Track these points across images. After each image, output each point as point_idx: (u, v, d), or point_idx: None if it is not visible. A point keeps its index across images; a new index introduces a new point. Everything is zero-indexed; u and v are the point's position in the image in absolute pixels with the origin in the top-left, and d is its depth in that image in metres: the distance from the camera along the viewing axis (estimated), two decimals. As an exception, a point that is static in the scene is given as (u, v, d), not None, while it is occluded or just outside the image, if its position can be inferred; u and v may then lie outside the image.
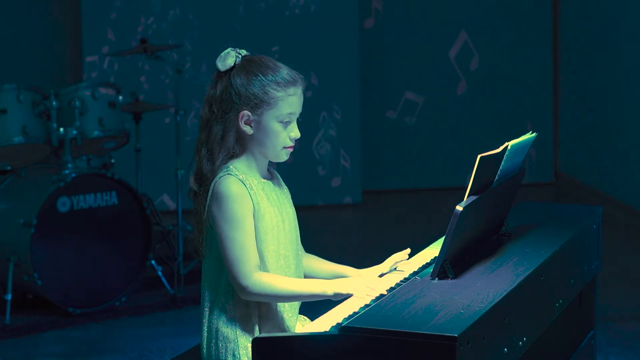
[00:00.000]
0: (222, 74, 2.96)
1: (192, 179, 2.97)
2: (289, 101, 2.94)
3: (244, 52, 2.98)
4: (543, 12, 8.68)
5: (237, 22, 7.93)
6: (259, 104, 2.92)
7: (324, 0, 8.01)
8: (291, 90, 2.94)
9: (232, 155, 2.96)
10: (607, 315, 5.24)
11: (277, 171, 3.11)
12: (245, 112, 2.92)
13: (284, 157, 2.99)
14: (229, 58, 2.95)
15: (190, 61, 7.76)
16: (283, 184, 3.10)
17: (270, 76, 2.92)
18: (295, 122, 2.98)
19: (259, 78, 2.92)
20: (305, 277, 3.10)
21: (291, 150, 2.99)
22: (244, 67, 2.94)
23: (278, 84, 2.93)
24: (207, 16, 7.90)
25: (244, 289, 2.86)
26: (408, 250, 3.14)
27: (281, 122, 2.94)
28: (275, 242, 2.95)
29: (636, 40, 7.40)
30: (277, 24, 7.99)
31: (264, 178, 3.00)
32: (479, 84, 8.69)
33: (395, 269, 3.12)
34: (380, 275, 3.10)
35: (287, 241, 2.99)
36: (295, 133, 2.98)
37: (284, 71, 2.95)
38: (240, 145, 2.97)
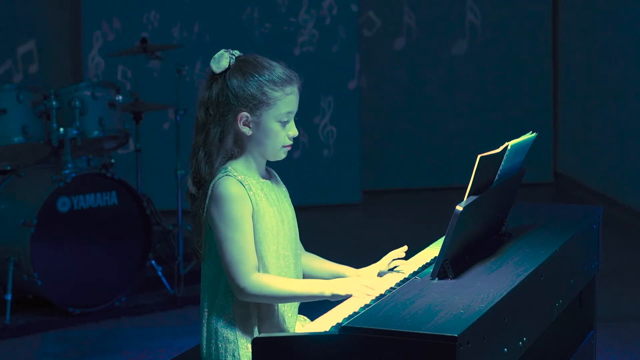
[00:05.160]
0: (216, 76, 2.94)
1: (189, 182, 2.95)
2: (287, 100, 2.94)
3: (237, 52, 2.96)
4: (543, 12, 8.68)
5: (238, 23, 7.94)
6: (257, 104, 2.91)
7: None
8: (288, 89, 2.94)
9: (231, 157, 2.96)
10: (607, 315, 5.24)
11: (275, 170, 3.11)
12: (244, 113, 2.92)
13: (282, 156, 2.99)
14: (223, 59, 2.93)
15: (191, 61, 7.75)
16: (281, 183, 3.10)
17: (267, 76, 2.92)
18: (293, 120, 2.98)
19: (256, 78, 2.91)
20: (304, 276, 3.10)
21: (289, 149, 2.99)
22: (239, 68, 2.92)
23: (275, 83, 2.92)
24: (207, 16, 7.90)
25: (241, 290, 2.85)
26: (405, 248, 3.13)
27: (280, 121, 2.94)
28: (274, 242, 2.95)
29: (636, 39, 7.40)
30: (276, 24, 7.99)
31: (263, 178, 3.00)
32: (479, 84, 8.68)
33: (394, 268, 3.12)
34: (380, 275, 3.10)
35: (286, 241, 2.99)
36: (294, 132, 2.98)
37: (280, 70, 2.94)
38: (239, 147, 2.96)
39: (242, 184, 2.90)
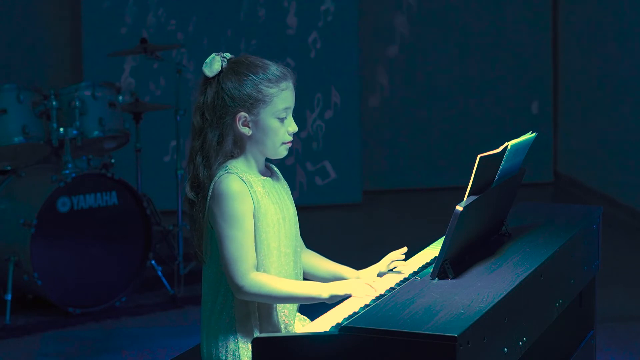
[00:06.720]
0: (210, 80, 2.95)
1: (187, 188, 2.95)
2: (283, 96, 2.95)
3: (228, 55, 2.98)
4: (543, 12, 8.68)
5: (236, 22, 7.94)
6: (254, 103, 2.92)
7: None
8: (283, 84, 2.95)
9: (230, 157, 2.96)
10: (607, 315, 5.24)
11: (276, 167, 3.12)
12: (242, 113, 2.92)
13: (283, 153, 3.00)
14: (215, 63, 2.94)
15: (191, 61, 7.75)
16: (282, 178, 3.10)
17: (261, 74, 2.93)
18: (291, 116, 2.99)
19: (250, 78, 2.92)
20: (304, 273, 3.11)
21: (290, 145, 3.00)
22: (232, 69, 2.93)
23: (270, 80, 2.93)
24: (207, 16, 7.90)
25: (239, 289, 2.86)
26: (404, 249, 3.14)
27: (278, 118, 2.95)
28: (276, 240, 2.95)
29: (636, 39, 7.40)
30: (275, 23, 7.99)
31: (263, 175, 3.00)
32: (479, 84, 8.68)
33: (394, 269, 3.12)
34: (379, 276, 3.10)
35: (287, 238, 2.99)
36: (293, 127, 2.99)
37: (273, 67, 2.95)
38: (239, 148, 2.97)
39: (244, 181, 2.90)
